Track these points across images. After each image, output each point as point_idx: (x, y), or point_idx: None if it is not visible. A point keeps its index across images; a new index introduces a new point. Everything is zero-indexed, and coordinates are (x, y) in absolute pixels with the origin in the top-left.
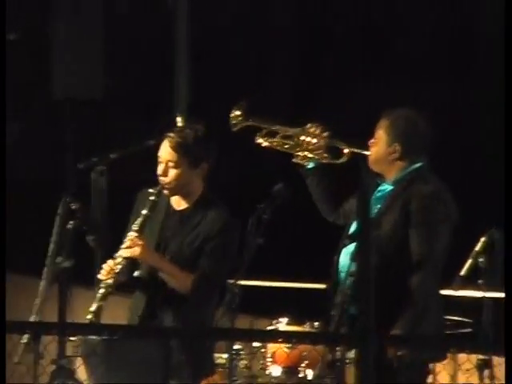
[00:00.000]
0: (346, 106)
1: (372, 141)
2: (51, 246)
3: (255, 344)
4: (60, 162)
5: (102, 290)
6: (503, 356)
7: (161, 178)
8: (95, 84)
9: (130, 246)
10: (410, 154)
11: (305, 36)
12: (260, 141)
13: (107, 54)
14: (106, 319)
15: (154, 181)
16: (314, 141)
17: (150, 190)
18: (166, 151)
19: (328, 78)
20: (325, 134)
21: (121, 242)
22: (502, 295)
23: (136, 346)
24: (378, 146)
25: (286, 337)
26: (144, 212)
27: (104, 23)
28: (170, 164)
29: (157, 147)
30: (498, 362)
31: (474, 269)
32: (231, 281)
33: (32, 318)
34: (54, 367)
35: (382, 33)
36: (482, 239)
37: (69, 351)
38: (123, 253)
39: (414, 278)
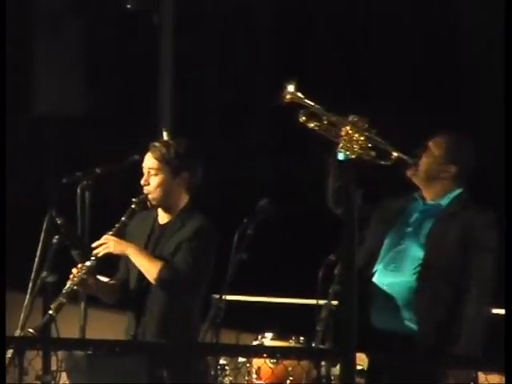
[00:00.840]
0: None
1: (426, 153)
2: (36, 261)
3: (240, 359)
4: (44, 177)
5: (67, 287)
6: None
7: (144, 188)
8: (77, 100)
9: (103, 244)
10: (460, 179)
11: (286, 52)
12: (303, 119)
13: (90, 69)
14: (90, 334)
15: (137, 196)
16: (360, 137)
17: (133, 199)
18: (148, 160)
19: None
20: (372, 131)
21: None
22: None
23: (120, 362)
24: (432, 161)
25: (271, 352)
26: (122, 219)
27: (87, 39)
28: (152, 172)
29: (141, 163)
30: None
31: None
32: (216, 296)
33: (16, 333)
34: (38, 383)
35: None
36: None
37: (53, 366)
38: (97, 251)
39: (472, 303)
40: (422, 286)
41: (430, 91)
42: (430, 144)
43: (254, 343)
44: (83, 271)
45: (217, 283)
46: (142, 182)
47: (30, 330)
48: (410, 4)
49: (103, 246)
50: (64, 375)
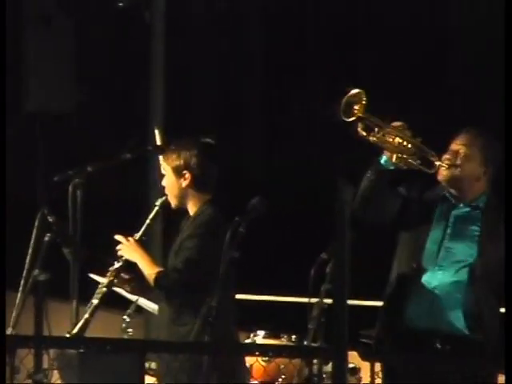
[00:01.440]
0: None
1: (465, 155)
2: (27, 259)
3: None
4: (36, 175)
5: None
6: None
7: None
8: (68, 97)
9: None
10: (491, 178)
11: (278, 54)
12: (364, 133)
13: (81, 66)
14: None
15: (130, 194)
16: (408, 144)
17: (157, 201)
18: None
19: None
20: (417, 140)
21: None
22: None
23: (112, 360)
24: (472, 164)
25: (263, 350)
26: (147, 221)
27: (78, 36)
28: (164, 173)
29: (133, 160)
30: None
31: None
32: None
33: (8, 331)
34: (30, 381)
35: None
36: None
37: (45, 364)
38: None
39: None
40: (472, 286)
41: (428, 90)
42: (466, 144)
43: (246, 341)
44: (112, 274)
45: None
46: (163, 183)
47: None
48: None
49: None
50: (56, 373)
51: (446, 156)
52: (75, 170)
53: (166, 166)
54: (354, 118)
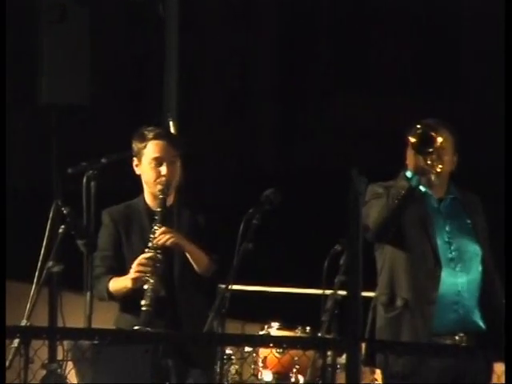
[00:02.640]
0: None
1: (441, 149)
2: (42, 251)
3: (246, 349)
4: (50, 166)
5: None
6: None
7: (164, 178)
8: (83, 89)
9: (166, 236)
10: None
11: (289, 45)
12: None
13: (96, 58)
14: (96, 324)
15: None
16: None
17: (159, 190)
18: (166, 148)
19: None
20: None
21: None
22: None
23: (126, 351)
24: (449, 157)
25: (277, 342)
26: (159, 209)
27: (92, 29)
28: (172, 160)
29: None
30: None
31: None
32: (222, 286)
33: (22, 323)
34: (44, 372)
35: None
36: None
37: (59, 356)
38: (161, 243)
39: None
40: (486, 281)
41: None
42: (443, 137)
43: (261, 333)
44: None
45: (223, 273)
46: (165, 172)
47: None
48: None
49: (167, 238)
50: (70, 365)
51: (432, 156)
52: (89, 161)
53: (176, 151)
54: (431, 150)
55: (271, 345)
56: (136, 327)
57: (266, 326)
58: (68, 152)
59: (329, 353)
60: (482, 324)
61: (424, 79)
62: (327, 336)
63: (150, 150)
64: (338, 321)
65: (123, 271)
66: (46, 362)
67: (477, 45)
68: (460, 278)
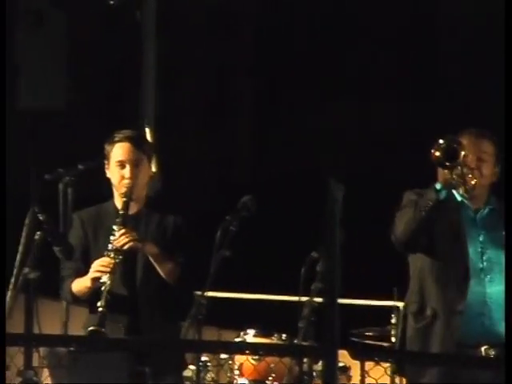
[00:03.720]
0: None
1: (484, 161)
2: (18, 257)
3: (222, 356)
4: (27, 172)
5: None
6: None
7: (128, 181)
8: (60, 94)
9: (124, 239)
10: None
11: (268, 50)
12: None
13: (73, 63)
14: (72, 330)
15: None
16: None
17: (122, 193)
18: (130, 151)
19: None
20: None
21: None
22: None
23: (102, 358)
24: (490, 169)
25: (254, 349)
26: (121, 212)
27: (69, 34)
28: (136, 163)
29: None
30: None
31: None
32: (198, 292)
33: None
34: (19, 379)
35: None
36: None
37: (35, 362)
38: (120, 246)
39: None
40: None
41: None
42: (487, 151)
43: (237, 340)
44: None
45: (199, 280)
46: (129, 174)
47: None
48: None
49: (126, 241)
50: (46, 371)
51: (471, 166)
52: (66, 168)
53: (142, 154)
54: (455, 164)
55: (247, 352)
56: (90, 328)
57: (242, 333)
58: (44, 158)
59: (305, 360)
60: (503, 334)
61: (402, 84)
62: (304, 343)
63: (115, 152)
64: (315, 328)
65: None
66: (22, 368)
67: (454, 47)
68: (488, 288)
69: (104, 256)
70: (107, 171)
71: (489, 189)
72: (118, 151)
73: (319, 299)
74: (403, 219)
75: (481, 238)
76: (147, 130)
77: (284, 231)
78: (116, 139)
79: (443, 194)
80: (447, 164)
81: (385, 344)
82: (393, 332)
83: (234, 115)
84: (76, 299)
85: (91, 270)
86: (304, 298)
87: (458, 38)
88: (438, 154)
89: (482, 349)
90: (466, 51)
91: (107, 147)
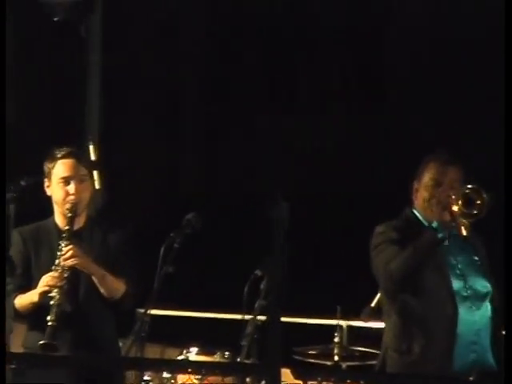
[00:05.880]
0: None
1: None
2: None
3: (165, 375)
4: None
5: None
6: None
7: (72, 196)
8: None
9: (71, 256)
10: None
11: (215, 63)
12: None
13: (16, 79)
14: (14, 347)
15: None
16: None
17: (67, 208)
18: (73, 167)
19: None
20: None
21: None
22: None
23: (44, 375)
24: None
25: (196, 367)
26: (66, 227)
27: (14, 48)
28: (82, 178)
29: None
30: None
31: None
32: (141, 310)
33: None
34: None
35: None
36: None
37: None
38: (67, 261)
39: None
40: (494, 319)
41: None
42: (458, 172)
43: (179, 357)
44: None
45: (142, 297)
46: (73, 190)
47: None
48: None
49: (70, 258)
50: None
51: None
52: (9, 184)
53: (85, 170)
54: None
55: (190, 370)
56: (41, 342)
57: (184, 351)
58: None
59: (248, 378)
60: (495, 364)
61: (351, 94)
62: (246, 361)
63: (59, 169)
64: (258, 346)
65: (31, 290)
66: None
67: (401, 57)
68: (476, 316)
69: (52, 271)
70: (47, 189)
71: None
72: (62, 168)
73: (262, 317)
74: (390, 256)
75: (459, 266)
76: (91, 147)
77: (228, 248)
78: (58, 156)
79: (442, 234)
80: (469, 213)
81: (328, 362)
82: (335, 350)
83: (181, 129)
84: (18, 315)
85: (40, 284)
86: (247, 316)
87: (407, 51)
88: (457, 208)
89: (471, 378)
90: (415, 64)
91: (48, 165)
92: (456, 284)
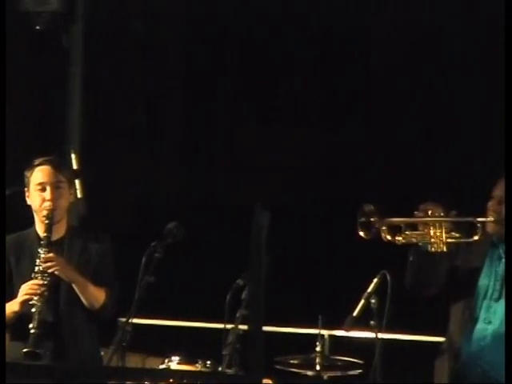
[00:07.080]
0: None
1: (500, 202)
2: None
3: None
4: None
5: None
6: None
7: (50, 203)
8: None
9: (51, 262)
10: None
11: (195, 75)
12: (388, 238)
13: None
14: None
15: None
16: (442, 225)
17: (44, 216)
18: (50, 174)
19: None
20: (452, 213)
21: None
22: (393, 336)
23: None
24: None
25: (178, 376)
26: (45, 234)
27: None
28: (58, 185)
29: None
30: None
31: (366, 310)
32: (123, 319)
33: None
34: None
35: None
36: (375, 280)
37: None
38: (46, 268)
39: None
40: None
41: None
42: (500, 192)
43: (161, 367)
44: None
45: (124, 306)
46: (50, 196)
47: None
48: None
49: (50, 264)
50: None
51: (493, 208)
52: None
53: (62, 177)
54: (373, 233)
55: (171, 380)
56: (25, 349)
57: (166, 360)
58: None
59: None
60: (502, 378)
61: (332, 105)
62: (228, 371)
63: (36, 176)
64: (240, 355)
65: (12, 299)
66: None
67: (383, 68)
68: (488, 331)
69: (31, 279)
70: (27, 199)
71: None
72: (38, 174)
73: (244, 326)
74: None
75: (497, 287)
76: (73, 156)
77: (209, 258)
78: (35, 163)
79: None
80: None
81: (309, 372)
82: (317, 360)
83: (162, 140)
84: None
85: (20, 294)
86: (229, 325)
87: (389, 62)
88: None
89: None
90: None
91: (27, 173)
92: (481, 298)
